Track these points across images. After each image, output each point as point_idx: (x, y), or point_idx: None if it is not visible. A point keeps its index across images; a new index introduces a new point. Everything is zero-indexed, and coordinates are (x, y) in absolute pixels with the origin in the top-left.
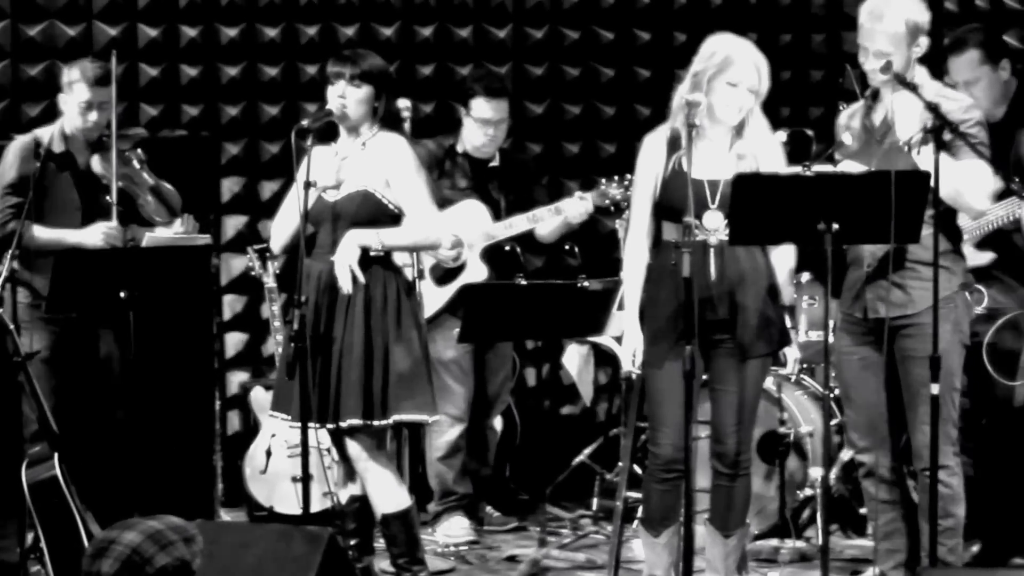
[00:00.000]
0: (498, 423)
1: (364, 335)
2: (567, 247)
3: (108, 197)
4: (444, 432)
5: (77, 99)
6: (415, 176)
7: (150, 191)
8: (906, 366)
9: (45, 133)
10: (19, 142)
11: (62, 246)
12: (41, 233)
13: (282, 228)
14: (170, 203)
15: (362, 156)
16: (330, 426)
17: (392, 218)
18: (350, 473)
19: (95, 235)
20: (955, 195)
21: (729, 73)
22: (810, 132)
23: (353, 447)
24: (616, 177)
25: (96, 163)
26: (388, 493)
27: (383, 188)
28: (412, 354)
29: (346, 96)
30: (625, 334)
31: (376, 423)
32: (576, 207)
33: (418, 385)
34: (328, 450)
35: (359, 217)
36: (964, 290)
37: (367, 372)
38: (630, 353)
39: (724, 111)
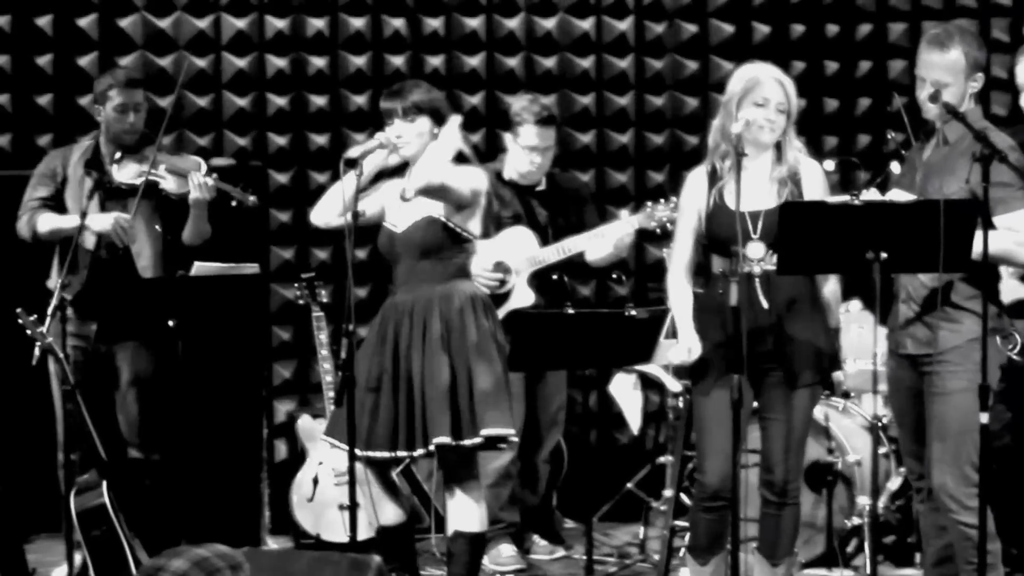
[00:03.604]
0: None
1: (448, 359)
2: (614, 276)
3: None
4: (494, 459)
5: (112, 103)
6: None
7: (168, 172)
8: (929, 402)
9: (80, 147)
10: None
11: (64, 232)
12: (44, 224)
13: (328, 205)
14: (181, 170)
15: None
16: (420, 451)
17: (460, 241)
18: (392, 498)
19: (106, 220)
20: (1006, 255)
21: (754, 94)
22: (857, 160)
23: (447, 463)
24: (662, 200)
25: (124, 170)
26: (470, 511)
27: (448, 213)
28: (494, 371)
29: (403, 134)
30: (681, 337)
31: (467, 442)
32: (620, 228)
33: (502, 401)
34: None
35: (427, 243)
36: (995, 335)
37: (452, 393)
38: (686, 347)
39: (758, 132)
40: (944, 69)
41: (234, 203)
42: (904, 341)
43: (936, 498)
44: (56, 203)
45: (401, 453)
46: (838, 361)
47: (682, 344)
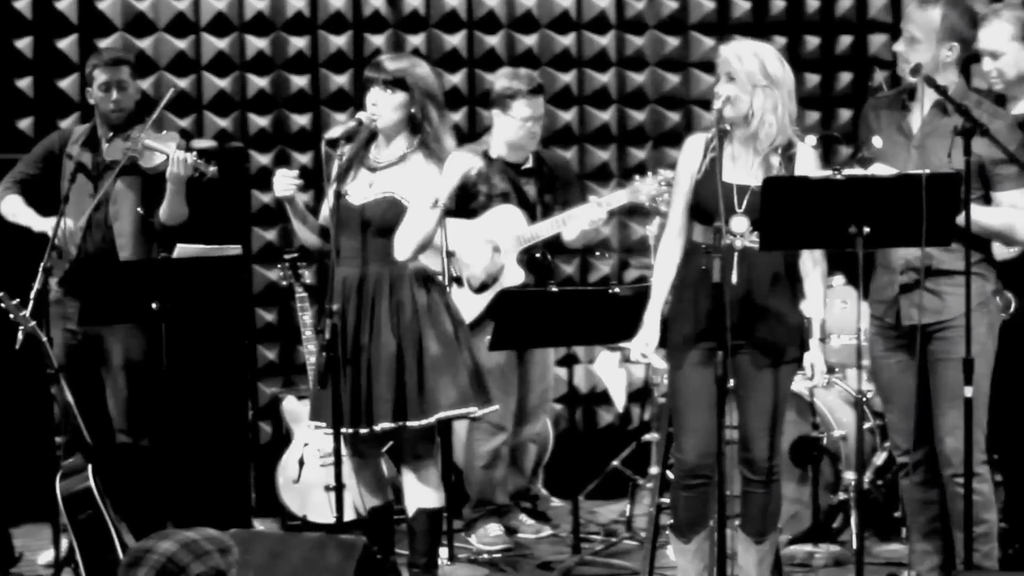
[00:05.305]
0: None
1: (395, 338)
2: (597, 253)
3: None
4: (486, 441)
5: (98, 82)
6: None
7: (146, 148)
8: (938, 370)
9: (80, 129)
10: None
11: (16, 221)
12: (7, 206)
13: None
14: (158, 147)
15: (399, 167)
16: (364, 430)
17: None
18: (372, 482)
19: (47, 224)
20: (1008, 233)
21: (721, 71)
22: (838, 135)
23: (406, 439)
24: (650, 173)
25: (112, 149)
26: (430, 487)
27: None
28: (448, 348)
29: (378, 102)
30: (643, 326)
31: (412, 424)
32: (589, 213)
33: (460, 374)
34: None
35: (385, 223)
36: (995, 296)
37: (399, 375)
38: (642, 343)
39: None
40: (918, 25)
41: (197, 174)
42: (908, 312)
43: (946, 463)
44: (34, 184)
45: (352, 430)
46: (805, 343)
47: (639, 339)
